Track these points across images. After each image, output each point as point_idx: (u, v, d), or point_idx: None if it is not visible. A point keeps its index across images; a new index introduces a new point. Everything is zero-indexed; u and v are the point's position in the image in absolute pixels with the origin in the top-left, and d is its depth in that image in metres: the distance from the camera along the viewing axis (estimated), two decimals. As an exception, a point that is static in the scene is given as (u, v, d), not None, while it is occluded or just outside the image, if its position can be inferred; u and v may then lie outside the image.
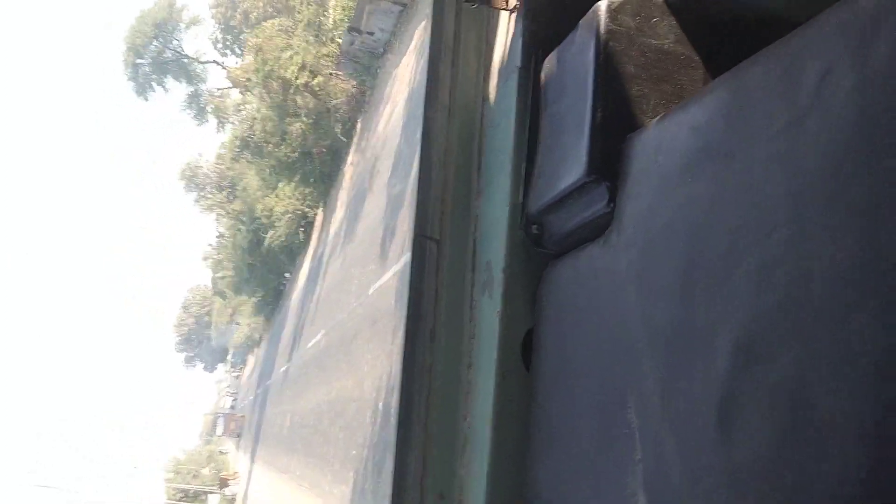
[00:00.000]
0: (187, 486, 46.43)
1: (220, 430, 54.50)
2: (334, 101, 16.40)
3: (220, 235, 39.59)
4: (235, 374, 77.26)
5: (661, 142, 1.02)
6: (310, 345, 19.30)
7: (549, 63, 1.28)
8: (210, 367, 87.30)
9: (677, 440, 0.87)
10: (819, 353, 0.70)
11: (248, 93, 22.15)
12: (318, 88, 16.10)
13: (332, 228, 19.95)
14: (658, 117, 1.03)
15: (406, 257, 9.57)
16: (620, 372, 1.01)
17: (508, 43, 1.39)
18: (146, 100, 33.19)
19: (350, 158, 18.31)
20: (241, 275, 36.06)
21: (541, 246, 1.28)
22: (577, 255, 1.17)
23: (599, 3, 1.14)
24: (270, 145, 20.66)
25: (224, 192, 33.68)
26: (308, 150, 19.38)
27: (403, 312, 1.32)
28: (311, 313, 21.38)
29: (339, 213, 19.20)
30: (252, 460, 30.57)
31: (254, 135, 21.35)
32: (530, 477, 1.21)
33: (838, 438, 0.66)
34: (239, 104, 24.67)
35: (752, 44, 0.90)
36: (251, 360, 60.27)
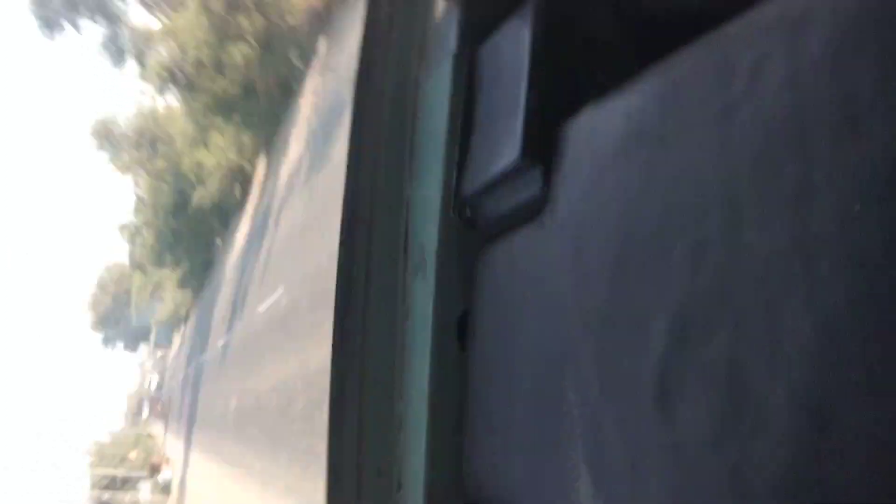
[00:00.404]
0: (114, 472, 42.53)
1: (145, 412, 54.48)
2: (291, 22, 12.93)
3: (139, 200, 35.06)
4: (160, 353, 75.92)
5: (596, 127, 1.06)
6: (263, 308, 17.61)
7: (485, 49, 1.30)
8: (131, 347, 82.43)
9: (616, 417, 0.93)
10: (752, 334, 0.75)
11: (178, 13, 18.12)
12: (269, 3, 12.56)
13: (285, 174, 18.24)
14: (592, 103, 1.07)
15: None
16: (557, 352, 1.05)
17: (444, 28, 1.40)
18: (53, 40, 28.04)
19: (310, 86, 14.87)
20: (163, 242, 32.05)
21: (474, 228, 1.30)
22: (512, 237, 1.21)
23: None
24: (204, 79, 16.85)
25: (144, 149, 29.20)
26: (252, 83, 15.81)
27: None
28: (260, 273, 19.79)
29: (294, 155, 15.77)
30: (187, 446, 28.75)
31: (184, 65, 17.43)
32: (469, 454, 1.24)
33: (774, 415, 0.72)
34: (167, 30, 20.53)
35: (689, 35, 0.95)
36: (177, 338, 58.64)
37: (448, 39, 1.39)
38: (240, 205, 23.24)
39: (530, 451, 1.11)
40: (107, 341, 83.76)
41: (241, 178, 21.48)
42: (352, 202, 1.40)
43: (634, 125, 0.99)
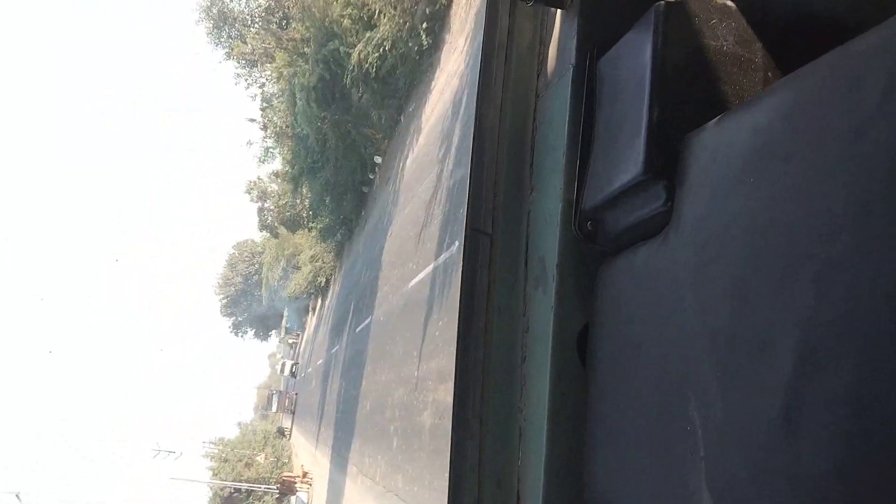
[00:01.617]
0: (239, 483, 31.02)
1: (274, 406, 55.25)
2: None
3: (266, 118, 23.40)
4: (292, 339, 69.07)
5: (721, 142, 1.08)
6: (413, 283, 13.29)
7: (605, 62, 1.34)
8: (262, 334, 72.08)
9: (741, 440, 0.94)
10: (882, 361, 0.77)
11: None
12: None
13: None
14: (717, 118, 1.10)
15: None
16: (679, 370, 1.07)
17: (563, 41, 1.44)
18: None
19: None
20: (300, 165, 26.08)
21: (594, 243, 1.35)
22: (634, 252, 1.24)
23: (657, 3, 1.21)
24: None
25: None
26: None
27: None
28: (415, 233, 14.27)
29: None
30: (331, 454, 22.80)
31: None
32: (588, 471, 1.28)
33: None
34: None
35: (814, 48, 0.96)
36: (311, 322, 52.21)
37: (567, 52, 1.41)
38: (430, 54, 15.47)
39: (651, 470, 1.12)
40: (237, 328, 74.47)
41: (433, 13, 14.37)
42: (474, 214, 1.44)
43: (761, 141, 0.99)
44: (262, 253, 61.90)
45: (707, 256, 1.04)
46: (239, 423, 71.96)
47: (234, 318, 77.60)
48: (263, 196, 39.41)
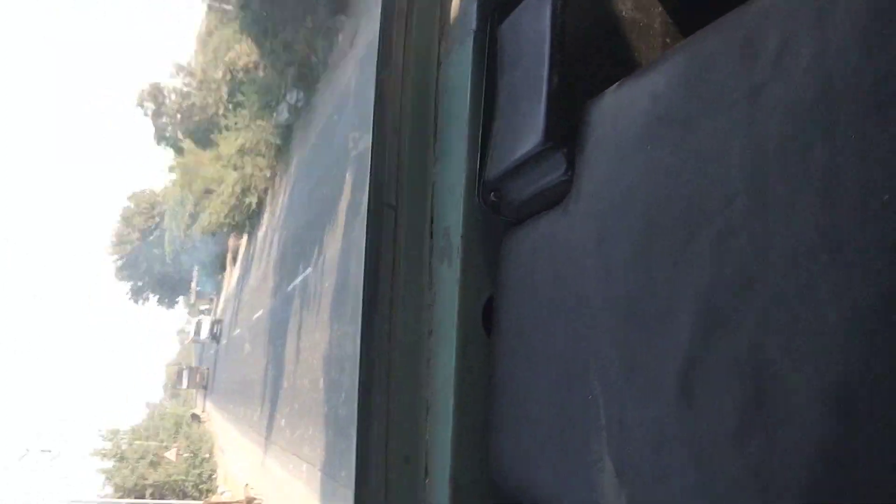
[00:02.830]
0: (142, 495, 19.17)
1: (184, 382, 48.14)
2: None
3: None
4: (204, 305, 59.59)
5: (619, 109, 1.11)
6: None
7: (506, 27, 1.37)
8: (167, 300, 59.53)
9: (640, 407, 0.98)
10: (780, 322, 0.80)
11: None
12: None
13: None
14: (616, 84, 1.14)
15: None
16: (582, 339, 1.12)
17: (464, 4, 1.45)
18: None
19: None
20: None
21: (499, 213, 1.39)
22: (536, 222, 1.28)
23: None
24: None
25: None
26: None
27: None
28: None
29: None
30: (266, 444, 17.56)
31: None
32: (493, 444, 1.33)
33: (801, 406, 0.77)
34: None
35: (712, 14, 0.99)
36: (232, 273, 40.45)
37: (469, 16, 1.41)
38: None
39: (555, 440, 1.16)
40: (136, 293, 61.17)
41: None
42: (377, 185, 1.45)
43: (659, 106, 1.01)
44: (163, 203, 54.93)
45: (607, 225, 1.07)
46: (147, 404, 64.72)
47: (133, 282, 64.27)
48: (159, 99, 27.58)
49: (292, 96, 18.92)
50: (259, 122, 21.22)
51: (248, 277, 30.37)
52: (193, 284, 56.91)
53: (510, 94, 1.31)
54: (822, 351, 0.71)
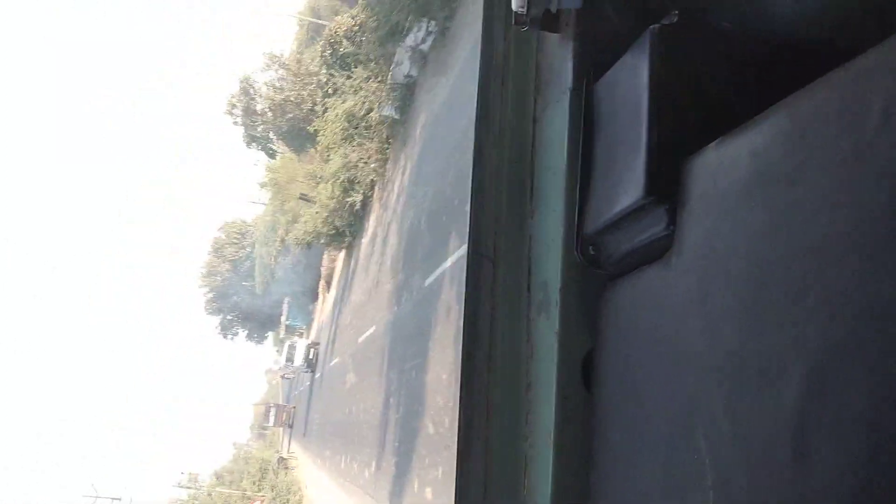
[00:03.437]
0: None
1: (271, 420, 47.23)
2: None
3: None
4: (292, 341, 50.65)
5: (721, 165, 1.14)
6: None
7: (601, 86, 1.43)
8: (256, 335, 54.45)
9: (749, 467, 1.00)
10: (891, 385, 0.82)
11: None
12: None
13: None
14: (716, 141, 1.17)
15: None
16: (686, 395, 1.13)
17: (559, 65, 1.50)
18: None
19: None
20: None
21: (598, 267, 1.41)
22: (637, 276, 1.30)
23: (651, 27, 1.28)
24: None
25: None
26: None
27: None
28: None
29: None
30: None
31: None
32: (594, 499, 1.32)
33: None
34: None
35: (808, 71, 1.03)
36: (326, 299, 35.27)
37: (564, 76, 1.46)
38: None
39: (657, 498, 1.17)
40: (225, 329, 57.00)
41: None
42: (476, 237, 1.49)
43: (760, 163, 1.04)
44: (254, 232, 53.02)
45: (711, 280, 1.10)
46: (234, 444, 63.12)
47: (222, 315, 60.84)
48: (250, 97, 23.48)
49: (418, 31, 14.06)
50: (369, 84, 16.57)
51: (347, 297, 25.97)
52: (283, 318, 53.22)
53: (608, 150, 1.35)
54: None
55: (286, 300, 51.27)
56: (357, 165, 19.80)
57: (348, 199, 21.49)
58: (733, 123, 1.16)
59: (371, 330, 18.77)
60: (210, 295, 63.77)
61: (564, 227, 1.39)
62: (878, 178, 0.81)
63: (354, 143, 19.23)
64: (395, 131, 18.37)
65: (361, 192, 20.85)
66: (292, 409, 46.23)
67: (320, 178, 22.84)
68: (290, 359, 39.25)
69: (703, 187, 1.14)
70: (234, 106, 28.30)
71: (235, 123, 27.96)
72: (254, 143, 28.23)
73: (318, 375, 35.36)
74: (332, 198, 21.97)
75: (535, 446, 1.39)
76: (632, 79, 1.28)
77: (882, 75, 0.84)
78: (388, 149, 18.70)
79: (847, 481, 0.79)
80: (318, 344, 35.53)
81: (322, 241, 26.10)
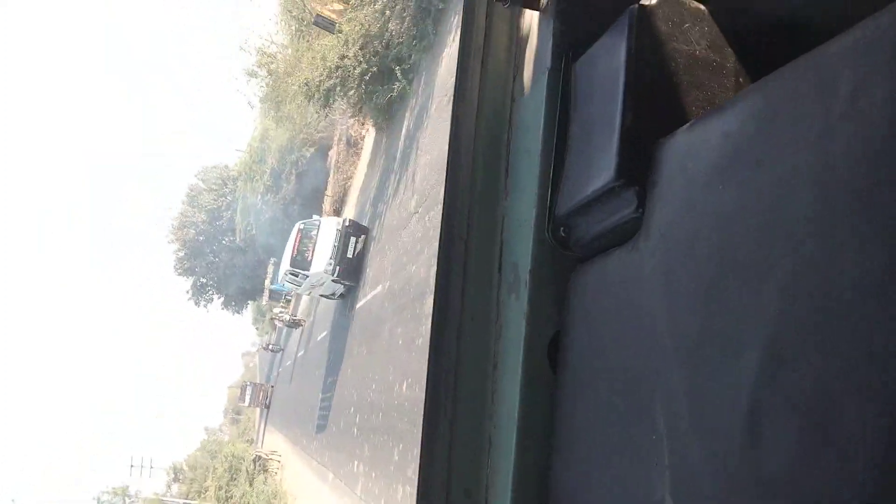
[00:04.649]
0: None
1: (247, 399, 42.60)
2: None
3: None
4: (280, 309, 40.12)
5: (692, 147, 1.17)
6: None
7: (581, 65, 1.46)
8: (234, 303, 42.30)
9: (705, 447, 1.04)
10: (847, 362, 0.82)
11: None
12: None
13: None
14: (689, 123, 1.22)
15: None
16: (648, 377, 1.17)
17: (538, 44, 1.51)
18: None
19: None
20: None
21: (568, 249, 1.45)
22: (605, 259, 1.34)
23: (631, 6, 1.32)
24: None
25: None
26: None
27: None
28: None
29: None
30: None
31: None
32: (555, 479, 1.37)
33: (866, 446, 0.78)
34: None
35: (784, 53, 1.06)
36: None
37: (543, 55, 1.47)
38: None
39: (618, 477, 1.21)
40: (198, 293, 45.87)
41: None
42: (449, 217, 1.51)
43: (731, 146, 1.07)
44: (237, 178, 41.43)
45: (676, 263, 1.13)
46: (206, 428, 57.48)
47: (195, 278, 51.06)
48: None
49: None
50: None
51: (378, 230, 16.01)
52: (267, 281, 43.64)
53: (583, 132, 1.39)
54: (886, 391, 0.74)
55: (272, 261, 41.90)
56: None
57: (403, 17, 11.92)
58: (708, 106, 1.19)
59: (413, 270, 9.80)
60: (182, 253, 54.13)
61: (537, 208, 1.41)
62: (842, 161, 0.84)
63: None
64: None
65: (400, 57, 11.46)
66: (270, 389, 43.23)
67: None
68: (295, 269, 20.82)
69: (674, 169, 1.16)
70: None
71: None
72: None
73: (300, 354, 24.23)
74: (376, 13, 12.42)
75: (499, 426, 1.43)
76: (609, 59, 1.30)
77: (850, 59, 0.86)
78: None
79: (798, 461, 0.83)
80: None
81: (348, 95, 15.38)
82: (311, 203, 33.20)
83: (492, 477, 1.39)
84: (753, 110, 1.00)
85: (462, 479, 1.40)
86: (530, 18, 1.53)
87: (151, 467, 41.90)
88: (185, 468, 37.95)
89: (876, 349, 0.73)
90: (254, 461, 30.42)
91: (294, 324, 35.76)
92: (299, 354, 33.69)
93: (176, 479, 40.32)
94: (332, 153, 30.38)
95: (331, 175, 29.69)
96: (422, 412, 1.44)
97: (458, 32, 1.49)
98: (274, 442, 32.78)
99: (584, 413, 1.29)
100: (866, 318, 0.75)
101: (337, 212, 25.39)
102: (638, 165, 1.19)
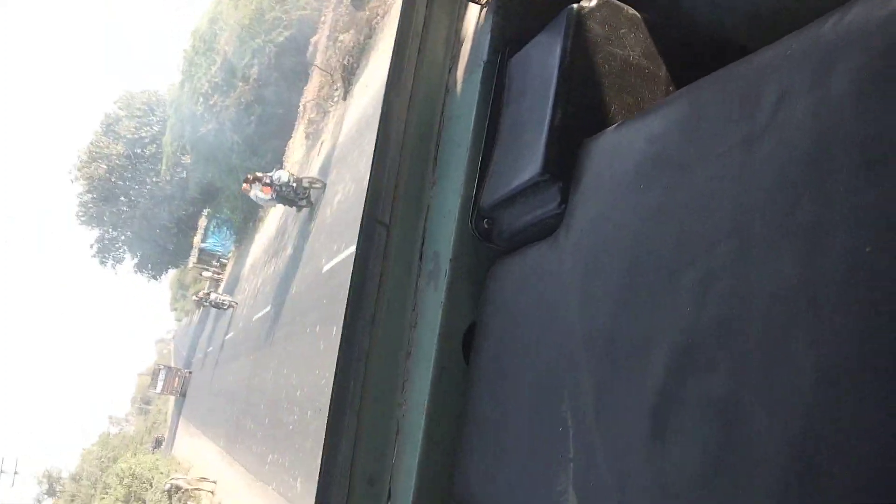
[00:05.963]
0: None
1: (159, 386, 37.18)
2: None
3: None
4: (211, 272, 35.83)
5: (617, 148, 1.24)
6: None
7: (516, 61, 1.53)
8: (151, 266, 28.58)
9: (609, 443, 1.06)
10: (754, 368, 0.86)
11: None
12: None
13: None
14: (616, 124, 1.31)
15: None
16: (559, 371, 1.24)
17: (477, 37, 1.57)
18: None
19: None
20: None
21: (490, 241, 1.53)
22: (525, 253, 1.42)
23: (570, 7, 1.40)
24: None
25: None
26: None
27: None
28: None
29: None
30: None
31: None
32: (461, 469, 1.44)
33: (770, 453, 0.81)
34: None
35: (715, 64, 1.13)
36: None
37: (480, 48, 1.53)
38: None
39: (522, 470, 1.27)
40: (104, 250, 32.62)
41: None
42: (373, 202, 1.56)
43: (656, 149, 1.14)
44: (169, 104, 32.43)
45: (594, 260, 1.20)
46: (111, 418, 50.70)
47: (101, 229, 39.98)
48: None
49: None
50: None
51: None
52: (197, 238, 34.14)
53: (513, 126, 1.45)
54: (792, 401, 0.77)
55: (205, 212, 31.92)
56: None
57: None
58: (637, 110, 1.25)
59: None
60: (88, 196, 42.53)
61: (462, 199, 1.46)
62: (761, 168, 0.87)
63: None
64: None
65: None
66: (188, 375, 38.12)
67: None
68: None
69: (598, 169, 1.22)
70: None
71: None
72: None
73: (230, 336, 20.04)
74: None
75: (408, 414, 1.47)
76: (544, 57, 1.35)
77: (775, 71, 0.90)
78: None
79: (699, 463, 0.85)
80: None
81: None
82: (273, 121, 23.77)
83: (397, 465, 1.42)
84: (679, 116, 1.04)
85: (367, 467, 1.42)
86: (472, 11, 1.57)
87: (16, 472, 32.77)
88: (66, 478, 28.82)
89: (785, 355, 0.76)
90: (169, 493, 19.30)
91: (220, 304, 26.65)
92: (227, 337, 28.78)
93: (50, 493, 31.37)
94: (317, 40, 21.31)
95: (312, 76, 20.81)
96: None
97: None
98: (194, 446, 24.35)
99: (495, 404, 1.32)
100: (774, 327, 0.79)
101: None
102: (564, 162, 1.23)
